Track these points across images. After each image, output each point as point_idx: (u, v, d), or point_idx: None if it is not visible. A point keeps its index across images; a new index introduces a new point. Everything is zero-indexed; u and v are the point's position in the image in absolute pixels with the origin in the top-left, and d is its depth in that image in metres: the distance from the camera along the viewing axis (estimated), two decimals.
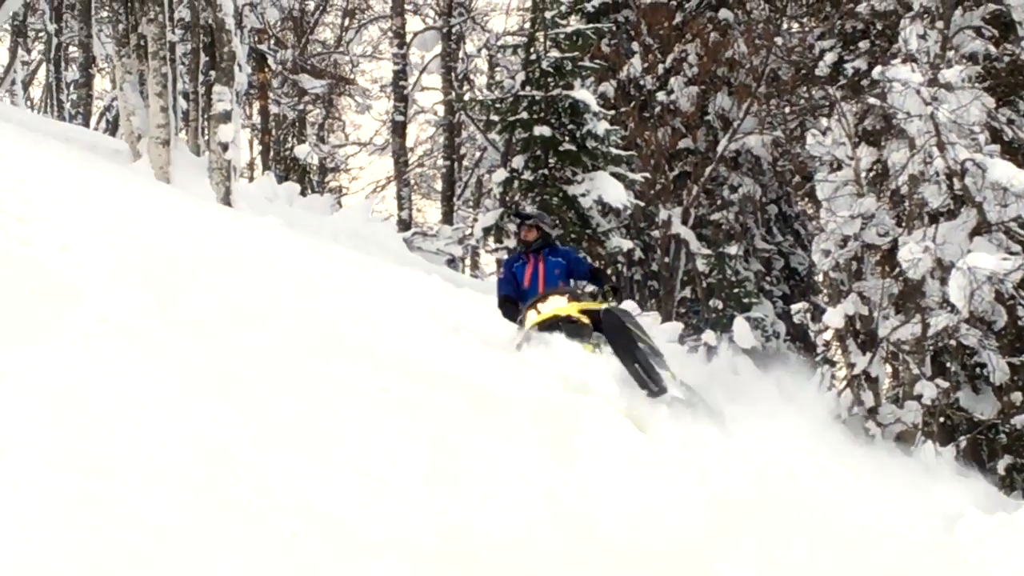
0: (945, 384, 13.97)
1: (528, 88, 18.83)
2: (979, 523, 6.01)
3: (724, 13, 21.67)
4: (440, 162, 33.56)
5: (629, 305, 17.19)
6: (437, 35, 32.39)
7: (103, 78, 33.01)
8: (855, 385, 14.37)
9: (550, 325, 8.49)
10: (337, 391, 5.28)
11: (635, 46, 21.84)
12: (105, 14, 25.68)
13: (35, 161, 10.23)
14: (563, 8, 21.43)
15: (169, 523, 3.60)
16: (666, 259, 20.82)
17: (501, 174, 19.44)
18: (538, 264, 9.37)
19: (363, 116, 35.77)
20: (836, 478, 6.36)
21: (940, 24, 14.65)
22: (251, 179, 27.68)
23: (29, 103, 32.55)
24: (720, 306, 19.31)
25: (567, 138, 18.54)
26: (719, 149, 20.93)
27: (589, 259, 10.40)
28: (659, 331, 16.77)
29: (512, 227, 18.02)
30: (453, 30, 32.22)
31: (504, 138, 20.49)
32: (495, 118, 20.21)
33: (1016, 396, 14.30)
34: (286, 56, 29.87)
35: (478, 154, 32.93)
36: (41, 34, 31.88)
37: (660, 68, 21.49)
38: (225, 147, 15.39)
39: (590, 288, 9.32)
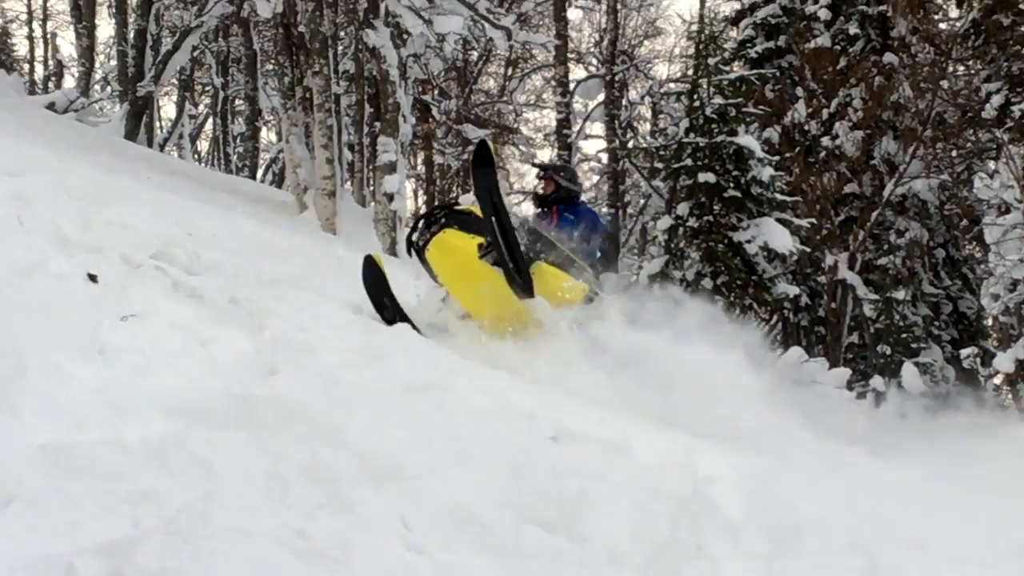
0: None
1: (692, 135, 19.08)
2: None
3: (888, 57, 21.88)
4: (604, 210, 34.29)
5: (795, 352, 17.74)
6: (600, 83, 33.09)
7: (269, 131, 34.77)
8: None
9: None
10: None
11: (799, 91, 22.15)
12: (270, 67, 27.27)
13: (204, 215, 11.21)
14: (726, 54, 22.03)
15: None
16: (833, 304, 20.95)
17: (666, 221, 19.77)
18: (551, 220, 9.11)
19: (527, 165, 36.56)
20: None
21: None
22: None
23: (197, 156, 34.50)
24: (888, 351, 19.60)
25: (732, 184, 18.73)
26: (885, 193, 21.12)
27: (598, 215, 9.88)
28: (826, 377, 17.25)
29: (677, 273, 18.73)
30: (616, 78, 33.03)
31: (668, 185, 20.75)
32: (659, 165, 20.56)
33: None
34: (450, 106, 30.81)
35: (642, 201, 33.51)
36: (208, 88, 33.95)
37: (824, 113, 21.76)
38: (390, 198, 16.18)
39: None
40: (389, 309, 8.10)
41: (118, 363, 4.93)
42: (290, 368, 5.35)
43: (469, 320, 8.31)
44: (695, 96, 19.73)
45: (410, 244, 8.46)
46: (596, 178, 35.65)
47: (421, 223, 8.54)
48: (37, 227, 7.62)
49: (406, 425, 4.82)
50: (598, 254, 9.35)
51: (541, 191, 9.43)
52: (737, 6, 25.20)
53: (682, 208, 19.48)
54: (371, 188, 19.62)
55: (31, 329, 4.78)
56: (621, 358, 8.01)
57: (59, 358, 4.62)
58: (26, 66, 37.96)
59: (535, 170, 10.01)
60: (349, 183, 19.60)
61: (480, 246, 8.08)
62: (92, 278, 6.11)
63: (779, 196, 19.22)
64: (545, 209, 9.31)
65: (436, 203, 8.05)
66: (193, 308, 6.25)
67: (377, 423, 4.74)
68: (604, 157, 33.89)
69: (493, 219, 7.88)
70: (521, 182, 37.67)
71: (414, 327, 7.84)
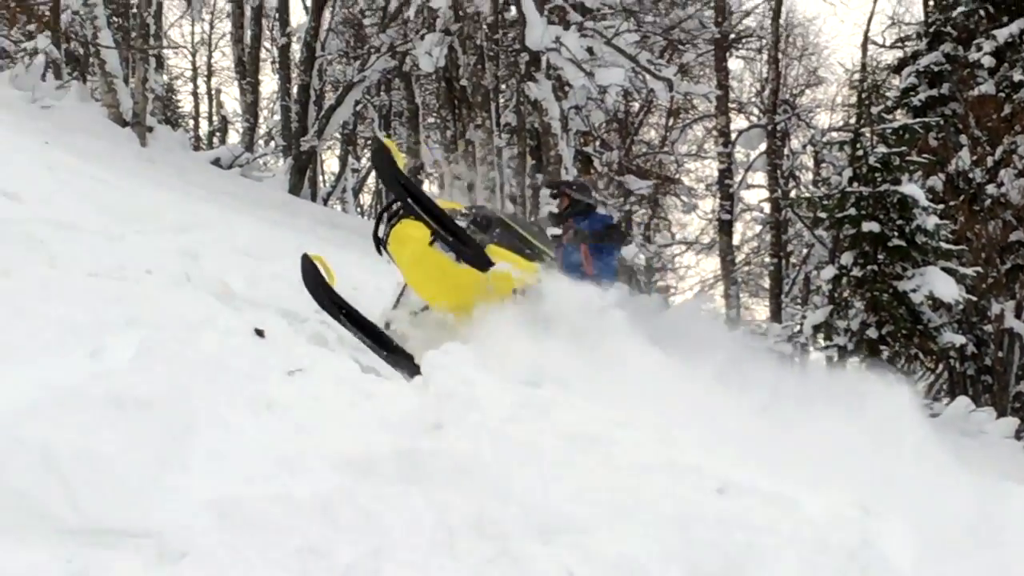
0: None
1: (855, 184, 18.97)
2: None
3: None
4: (767, 260, 34.02)
5: (961, 401, 17.34)
6: (762, 133, 32.95)
7: (431, 183, 35.44)
8: None
9: None
10: None
11: (963, 139, 21.82)
12: (432, 120, 27.81)
13: (367, 269, 11.27)
14: (889, 103, 21.77)
15: None
16: (1000, 353, 20.54)
17: (829, 271, 19.64)
18: (566, 233, 9.07)
19: (689, 215, 36.57)
20: None
21: None
22: None
23: (359, 209, 35.30)
24: None
25: (896, 233, 18.58)
26: None
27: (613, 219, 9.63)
28: (994, 426, 16.85)
29: (841, 323, 18.52)
30: (778, 127, 32.79)
31: (832, 235, 20.67)
32: (822, 215, 20.49)
33: None
34: (611, 157, 31.03)
35: (805, 251, 33.16)
36: (370, 141, 34.72)
37: (989, 160, 21.33)
38: None
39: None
40: (333, 306, 7.97)
41: (285, 417, 5.03)
42: (456, 422, 5.36)
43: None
44: (858, 145, 19.59)
45: (377, 241, 8.12)
46: (759, 228, 35.56)
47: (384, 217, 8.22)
48: (205, 282, 7.88)
49: (572, 479, 4.83)
50: (614, 255, 9.29)
51: (556, 209, 9.38)
52: (899, 54, 24.94)
53: (846, 258, 19.35)
54: None
55: (200, 384, 4.90)
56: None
57: (228, 413, 4.75)
58: (191, 122, 39.34)
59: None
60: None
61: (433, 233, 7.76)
62: (259, 333, 6.25)
63: (944, 245, 18.99)
64: (562, 225, 9.20)
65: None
66: (358, 362, 6.33)
67: (543, 477, 4.77)
68: (766, 207, 33.72)
69: (409, 200, 7.67)
70: (683, 232, 37.72)
71: (363, 326, 7.85)
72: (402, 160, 8.02)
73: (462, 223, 7.84)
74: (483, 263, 7.69)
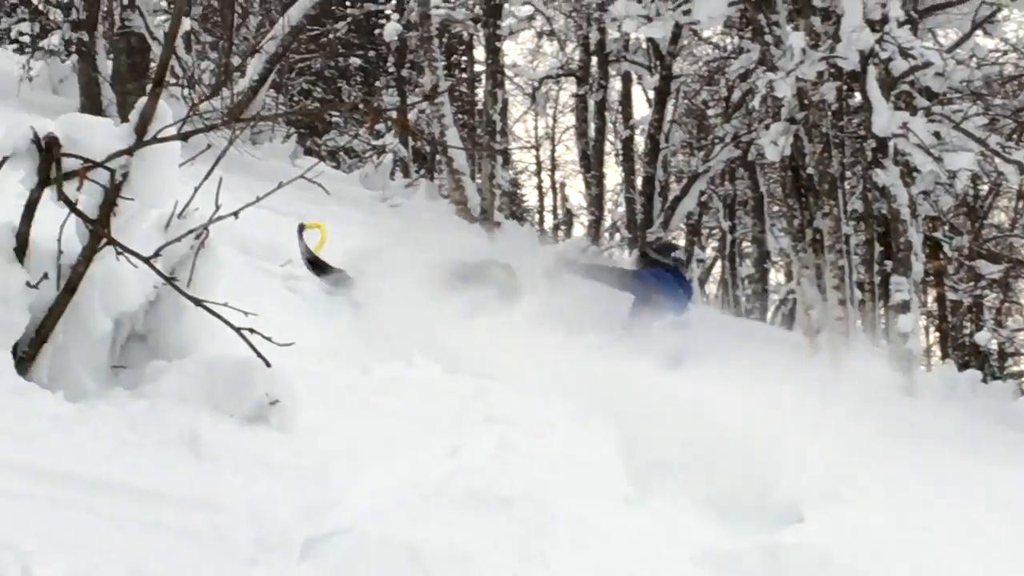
0: None
1: None
2: None
3: None
4: None
5: None
6: None
7: (777, 272, 35.30)
8: None
9: None
10: None
11: None
12: (777, 209, 27.81)
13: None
14: None
15: None
16: None
17: None
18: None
19: None
20: None
21: None
22: (929, 367, 28.32)
23: (705, 298, 35.52)
24: None
25: None
26: None
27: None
28: None
29: None
30: None
31: None
32: None
33: None
34: (961, 242, 30.18)
35: None
36: (715, 231, 35.01)
37: None
38: (904, 337, 15.82)
39: None
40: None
41: (640, 512, 5.24)
42: (816, 515, 5.43)
43: None
44: None
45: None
46: None
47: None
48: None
49: None
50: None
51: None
52: None
53: None
54: (883, 327, 19.45)
55: (558, 480, 5.11)
56: None
57: (586, 508, 4.89)
58: (536, 216, 40.69)
59: None
60: (859, 322, 19.53)
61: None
62: None
63: None
64: None
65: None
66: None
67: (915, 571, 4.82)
68: None
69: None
70: None
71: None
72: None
73: None
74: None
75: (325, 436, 4.70)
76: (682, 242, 33.11)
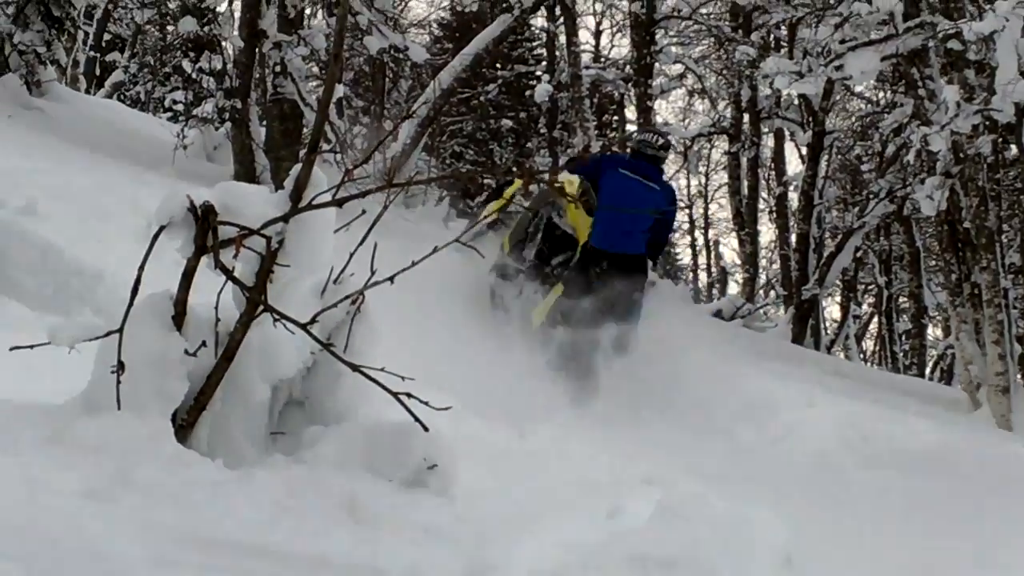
0: None
1: None
2: None
3: None
4: None
5: None
6: None
7: (935, 327, 34.51)
8: None
9: None
10: None
11: None
12: (934, 263, 27.23)
13: (877, 417, 11.27)
14: None
15: None
16: None
17: None
18: None
19: None
20: None
21: None
22: None
23: (863, 355, 34.90)
24: None
25: None
26: None
27: None
28: None
29: None
30: None
31: None
32: None
33: None
34: None
35: None
36: (871, 287, 34.39)
37: None
38: None
39: None
40: None
41: (807, 572, 5.16)
42: None
43: None
44: None
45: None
46: None
47: None
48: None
49: None
50: None
51: None
52: None
53: None
54: None
55: (719, 541, 5.11)
56: None
57: (750, 570, 4.86)
58: (691, 274, 40.52)
59: None
60: (1021, 377, 19.02)
61: None
62: None
63: None
64: None
65: None
66: None
67: None
68: None
69: None
70: None
71: None
72: None
73: None
74: None
75: (484, 500, 4.70)
76: (838, 298, 32.66)
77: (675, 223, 10.96)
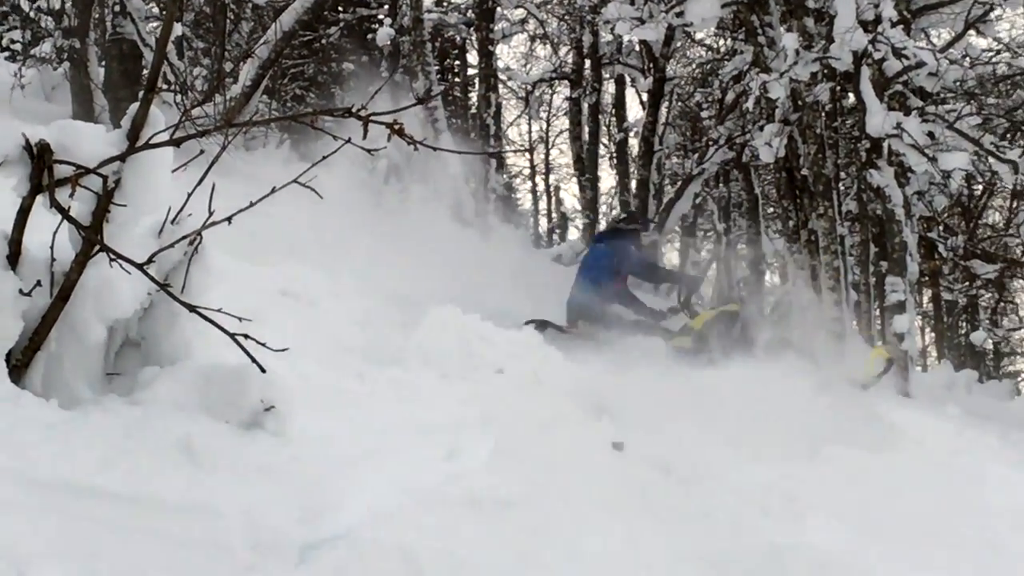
0: None
1: None
2: None
3: None
4: None
5: None
6: None
7: (772, 273, 35.34)
8: None
9: None
10: None
11: None
12: (772, 210, 27.88)
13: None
14: None
15: None
16: None
17: None
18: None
19: None
20: None
21: None
22: (924, 368, 28.36)
23: (702, 301, 35.50)
24: None
25: None
26: None
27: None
28: None
29: None
30: None
31: None
32: None
33: None
34: (956, 242, 30.29)
35: None
36: (710, 233, 34.98)
37: None
38: (901, 337, 15.79)
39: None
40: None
41: (642, 517, 5.26)
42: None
43: None
44: None
45: None
46: None
47: None
48: (555, 381, 8.37)
49: None
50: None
51: None
52: None
53: None
54: (879, 328, 19.51)
55: (557, 484, 5.21)
56: None
57: (585, 513, 4.98)
58: (531, 220, 40.67)
59: None
60: (855, 323, 19.60)
61: None
62: (617, 447, 6.61)
63: None
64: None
65: None
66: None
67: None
68: None
69: None
70: None
71: None
72: None
73: None
74: None
75: (322, 442, 4.70)
76: (677, 245, 33.23)
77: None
